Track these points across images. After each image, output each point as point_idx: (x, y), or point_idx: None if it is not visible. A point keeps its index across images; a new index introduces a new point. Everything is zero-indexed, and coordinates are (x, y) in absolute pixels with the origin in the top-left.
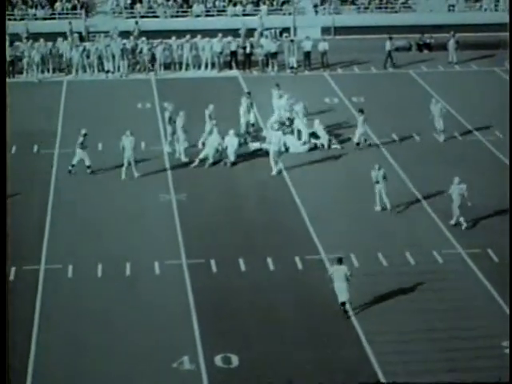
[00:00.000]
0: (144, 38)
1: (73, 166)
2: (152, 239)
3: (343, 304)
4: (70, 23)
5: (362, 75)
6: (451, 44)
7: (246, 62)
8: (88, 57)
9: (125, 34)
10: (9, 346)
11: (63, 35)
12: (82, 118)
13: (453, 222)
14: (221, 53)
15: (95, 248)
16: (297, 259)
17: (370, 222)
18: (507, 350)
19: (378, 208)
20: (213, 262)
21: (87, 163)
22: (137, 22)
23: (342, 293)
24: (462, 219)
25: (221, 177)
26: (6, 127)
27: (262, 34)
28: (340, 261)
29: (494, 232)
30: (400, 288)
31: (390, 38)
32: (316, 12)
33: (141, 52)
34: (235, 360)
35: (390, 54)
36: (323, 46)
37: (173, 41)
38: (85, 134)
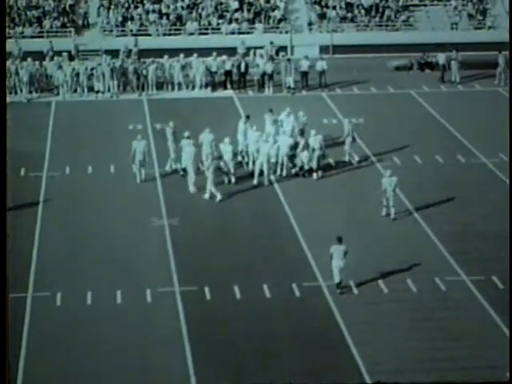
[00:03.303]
0: (134, 57)
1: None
2: (143, 265)
3: (338, 284)
4: (50, 42)
5: (361, 95)
6: (454, 63)
7: (240, 81)
8: (77, 76)
9: (116, 53)
10: None
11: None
12: (70, 140)
13: (383, 213)
14: (215, 72)
15: (84, 275)
16: (294, 286)
17: (369, 247)
18: None
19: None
20: (207, 289)
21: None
22: (136, 41)
23: (339, 272)
24: (392, 210)
25: (214, 200)
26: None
27: (255, 54)
28: (340, 240)
29: (499, 258)
30: (401, 316)
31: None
32: (310, 29)
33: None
34: None
35: (444, 68)
36: (321, 65)
37: (165, 60)
38: None
